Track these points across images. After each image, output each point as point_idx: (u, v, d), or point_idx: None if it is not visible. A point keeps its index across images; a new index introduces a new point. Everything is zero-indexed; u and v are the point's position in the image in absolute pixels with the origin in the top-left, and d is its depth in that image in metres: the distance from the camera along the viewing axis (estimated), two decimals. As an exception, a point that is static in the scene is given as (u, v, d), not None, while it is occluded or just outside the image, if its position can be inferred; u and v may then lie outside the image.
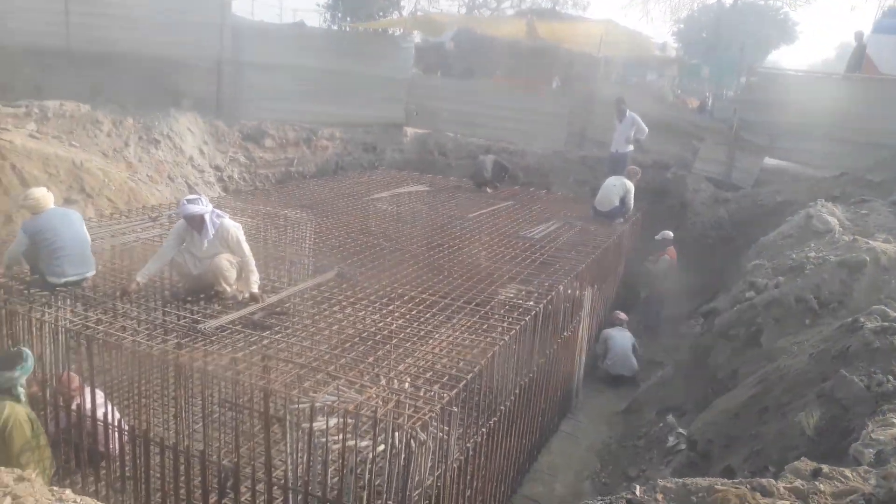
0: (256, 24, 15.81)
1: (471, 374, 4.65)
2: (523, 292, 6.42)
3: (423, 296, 6.17)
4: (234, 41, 13.60)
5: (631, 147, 11.27)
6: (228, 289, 5.63)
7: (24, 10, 14.22)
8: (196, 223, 5.47)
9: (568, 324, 7.11)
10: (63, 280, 5.43)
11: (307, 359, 4.75)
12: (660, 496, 3.53)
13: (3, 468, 3.06)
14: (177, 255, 5.60)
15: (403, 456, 4.08)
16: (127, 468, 4.83)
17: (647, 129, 11.19)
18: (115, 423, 4.78)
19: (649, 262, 10.22)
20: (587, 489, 6.57)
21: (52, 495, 2.95)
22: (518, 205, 10.72)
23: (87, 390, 4.80)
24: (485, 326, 5.55)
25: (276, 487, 4.35)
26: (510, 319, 5.71)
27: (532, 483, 6.60)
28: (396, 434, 4.05)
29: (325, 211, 9.39)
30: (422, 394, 4.40)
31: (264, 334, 5.14)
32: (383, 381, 4.56)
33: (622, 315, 8.94)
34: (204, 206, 5.45)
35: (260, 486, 4.38)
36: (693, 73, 27.51)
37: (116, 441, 4.83)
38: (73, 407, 4.80)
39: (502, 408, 5.46)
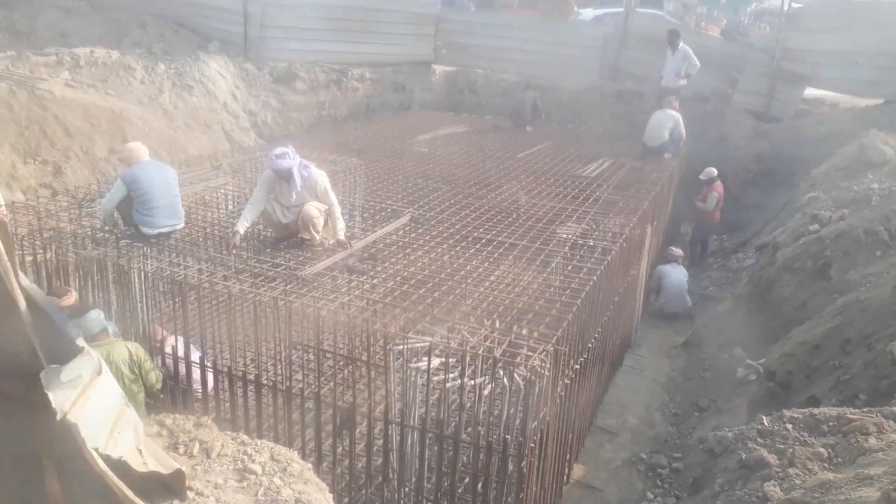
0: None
1: (571, 315, 4.79)
2: (596, 232, 6.50)
3: (499, 238, 6.26)
4: (259, -22, 13.23)
5: (683, 81, 11.11)
6: (317, 236, 5.72)
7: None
8: (285, 175, 5.51)
9: (634, 262, 7.23)
10: (156, 231, 5.53)
11: (410, 302, 4.88)
12: (789, 426, 3.71)
13: (179, 415, 3.21)
14: (266, 204, 5.66)
15: (522, 394, 4.26)
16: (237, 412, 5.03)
17: (698, 64, 11.02)
18: (223, 369, 4.96)
19: (698, 200, 10.23)
20: (658, 419, 6.82)
21: (233, 439, 3.12)
22: (562, 143, 10.66)
23: (183, 339, 4.94)
24: (569, 267, 5.65)
25: (393, 425, 4.55)
26: (593, 260, 5.81)
27: (604, 415, 6.84)
28: (515, 373, 4.21)
29: (374, 156, 9.37)
30: (525, 333, 4.54)
31: (361, 279, 5.26)
32: (488, 322, 4.70)
33: (677, 251, 9.03)
34: (292, 160, 5.49)
35: (378, 426, 4.58)
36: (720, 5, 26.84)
37: (221, 384, 5.03)
38: (168, 351, 4.97)
39: (589, 345, 5.62)
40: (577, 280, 5.34)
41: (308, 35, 13.65)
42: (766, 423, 3.82)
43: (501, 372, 4.39)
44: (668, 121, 9.76)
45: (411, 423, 4.45)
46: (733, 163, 11.66)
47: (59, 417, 1.83)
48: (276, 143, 11.89)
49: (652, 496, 5.57)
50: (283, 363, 4.99)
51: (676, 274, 8.76)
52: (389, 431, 4.53)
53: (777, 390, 5.77)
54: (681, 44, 11.30)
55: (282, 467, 2.93)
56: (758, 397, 5.89)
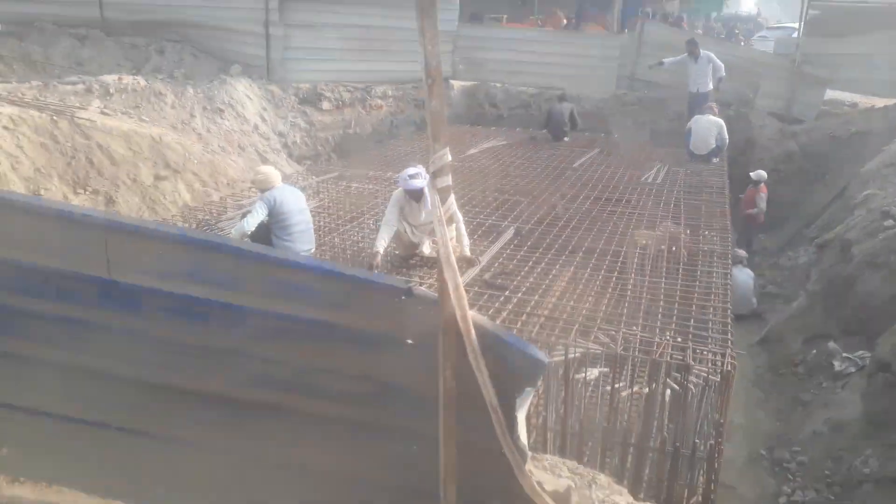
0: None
1: (730, 323, 4.91)
2: (702, 235, 6.67)
3: (608, 246, 6.37)
4: (280, 1, 13.19)
5: (711, 86, 11.42)
6: (446, 254, 5.73)
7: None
8: (416, 195, 5.54)
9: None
10: (293, 256, 5.48)
11: (570, 314, 4.94)
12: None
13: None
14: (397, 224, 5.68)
15: (703, 397, 4.37)
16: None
17: (723, 66, 11.35)
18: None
19: (744, 204, 10.51)
20: (762, 416, 6.98)
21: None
22: (605, 152, 10.86)
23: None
24: (698, 272, 5.79)
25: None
26: (714, 265, 5.96)
27: (710, 415, 6.96)
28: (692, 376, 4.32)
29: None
30: (679, 338, 4.65)
31: (506, 293, 5.30)
32: (659, 328, 4.79)
33: (742, 252, 9.26)
34: (424, 180, 5.52)
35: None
36: (695, 9, 27.70)
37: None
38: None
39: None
40: (714, 284, 5.47)
41: (330, 55, 13.65)
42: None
43: (678, 376, 4.48)
44: (714, 127, 10.03)
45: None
46: (763, 164, 12.02)
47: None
48: (406, 165, 11.78)
49: (789, 490, 5.70)
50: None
51: (742, 276, 8.96)
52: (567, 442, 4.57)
53: (894, 380, 5.96)
54: (701, 51, 11.63)
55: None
56: (875, 389, 6.07)
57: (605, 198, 8.06)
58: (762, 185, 10.47)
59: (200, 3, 13.25)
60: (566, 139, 11.73)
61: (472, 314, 1.99)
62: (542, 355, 2.01)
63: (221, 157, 11.53)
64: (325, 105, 13.55)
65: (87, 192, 9.52)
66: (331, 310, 2.24)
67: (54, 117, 9.94)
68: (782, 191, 11.77)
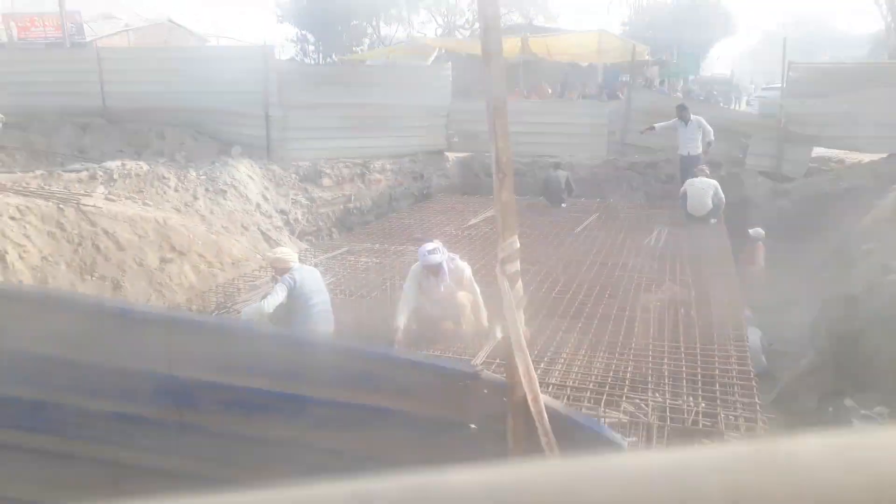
0: (297, 66, 15.87)
1: (755, 385, 4.94)
2: (712, 296, 6.74)
3: (621, 312, 6.43)
4: (279, 85, 13.61)
5: (701, 149, 11.76)
6: (465, 326, 5.77)
7: (56, 73, 14.03)
8: (435, 269, 5.61)
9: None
10: (311, 337, 5.49)
11: (595, 384, 4.95)
12: None
13: None
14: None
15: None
16: None
17: (711, 130, 11.73)
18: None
19: (743, 260, 10.66)
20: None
21: None
22: (605, 216, 11.07)
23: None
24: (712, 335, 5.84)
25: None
26: (727, 326, 6.02)
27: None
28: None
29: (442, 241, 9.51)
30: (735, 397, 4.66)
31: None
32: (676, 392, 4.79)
33: (747, 311, 9.32)
34: (442, 254, 5.61)
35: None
36: (673, 73, 28.76)
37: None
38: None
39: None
40: (731, 345, 5.51)
41: (329, 133, 13.99)
42: None
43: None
44: (709, 188, 10.28)
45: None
46: (756, 223, 12.27)
47: None
48: (409, 237, 11.90)
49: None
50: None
51: (751, 336, 8.99)
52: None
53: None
54: (692, 115, 12.04)
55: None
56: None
57: (610, 263, 8.17)
58: (759, 242, 10.64)
59: (199, 88, 13.62)
60: (563, 205, 11.95)
61: (543, 397, 2.02)
62: (618, 437, 2.03)
63: (225, 238, 11.63)
64: (326, 181, 13.79)
65: (95, 279, 9.54)
66: (395, 396, 2.26)
67: (60, 206, 10.05)
68: (778, 248, 11.96)
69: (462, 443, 2.30)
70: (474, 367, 2.13)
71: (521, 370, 1.97)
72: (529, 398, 1.98)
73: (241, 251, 11.43)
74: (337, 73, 15.27)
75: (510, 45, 22.84)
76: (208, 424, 2.55)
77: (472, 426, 2.25)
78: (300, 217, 13.34)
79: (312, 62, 30.11)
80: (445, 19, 31.57)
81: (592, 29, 24.22)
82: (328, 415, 2.41)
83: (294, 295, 5.40)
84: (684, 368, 5.15)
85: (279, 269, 5.57)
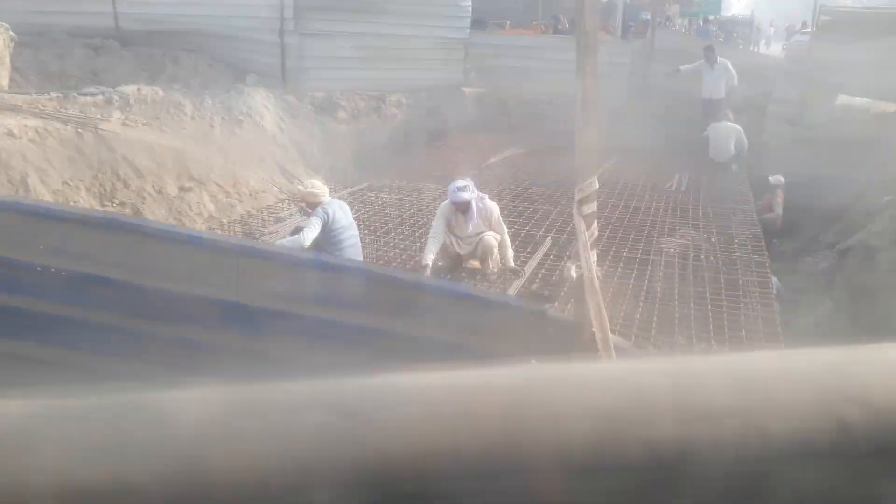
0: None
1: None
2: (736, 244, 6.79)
3: (646, 256, 6.48)
4: (294, 11, 13.27)
5: (724, 93, 11.57)
6: (492, 266, 5.82)
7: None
8: (464, 207, 5.62)
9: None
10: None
11: (622, 323, 5.03)
12: None
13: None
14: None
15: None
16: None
17: (736, 75, 11.51)
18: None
19: (761, 208, 10.65)
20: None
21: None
22: (624, 159, 10.99)
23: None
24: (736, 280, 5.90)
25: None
26: (751, 273, 6.08)
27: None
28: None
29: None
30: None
31: (554, 305, 5.38)
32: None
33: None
34: (472, 192, 5.60)
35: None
36: (695, 12, 27.94)
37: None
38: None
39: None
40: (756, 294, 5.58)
41: (345, 64, 13.74)
42: None
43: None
44: (732, 134, 10.18)
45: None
46: (777, 169, 12.18)
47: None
48: (429, 175, 11.90)
49: None
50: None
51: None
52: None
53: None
54: (718, 57, 11.79)
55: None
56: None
57: (632, 206, 8.17)
58: (779, 189, 10.60)
59: (215, 12, 13.31)
60: (583, 146, 11.84)
61: (612, 337, 2.07)
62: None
63: (241, 168, 11.59)
64: (341, 114, 13.62)
65: (115, 205, 9.57)
66: (462, 331, 2.32)
67: (79, 129, 9.99)
68: (797, 196, 11.91)
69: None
70: (542, 305, 2.18)
71: (591, 310, 2.01)
72: (598, 337, 2.03)
73: (258, 182, 11.42)
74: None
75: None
76: (272, 352, 2.62)
77: (534, 363, 2.31)
78: (315, 150, 13.23)
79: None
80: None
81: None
82: (394, 346, 2.47)
83: (326, 228, 5.42)
84: (710, 315, 5.23)
85: (311, 203, 5.57)
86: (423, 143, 14.02)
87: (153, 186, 10.01)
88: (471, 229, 5.70)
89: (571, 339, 2.18)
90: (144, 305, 2.59)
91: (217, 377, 1.95)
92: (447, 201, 5.72)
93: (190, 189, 10.31)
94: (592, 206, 2.21)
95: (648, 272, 6.08)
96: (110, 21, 13.77)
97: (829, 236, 10.19)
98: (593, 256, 2.29)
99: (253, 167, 11.89)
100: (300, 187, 5.77)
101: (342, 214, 5.55)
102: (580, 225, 2.18)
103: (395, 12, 14.64)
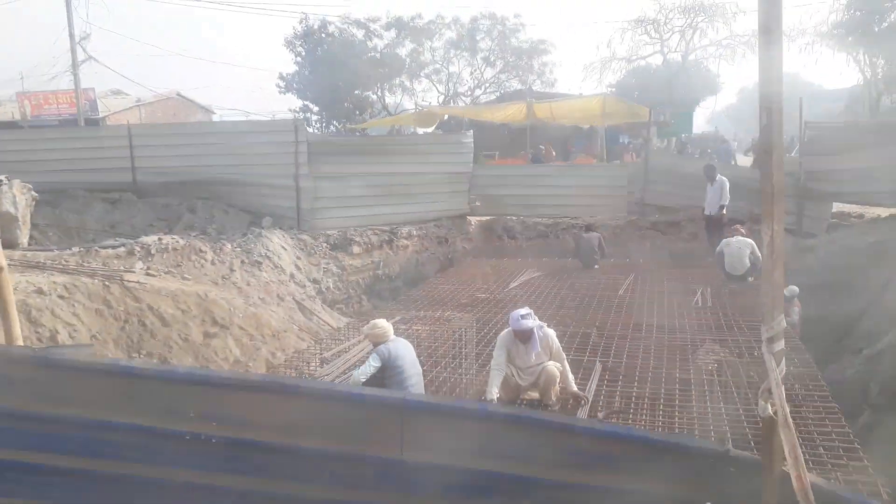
0: (326, 138, 16.24)
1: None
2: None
3: (699, 376, 6.49)
4: (309, 157, 13.90)
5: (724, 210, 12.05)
6: (553, 397, 5.79)
7: (86, 150, 14.29)
8: (526, 336, 5.67)
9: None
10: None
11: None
12: None
13: None
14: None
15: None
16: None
17: (728, 195, 12.06)
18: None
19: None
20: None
21: None
22: (641, 277, 11.22)
23: None
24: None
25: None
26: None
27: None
28: None
29: (484, 311, 9.55)
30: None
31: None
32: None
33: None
34: (534, 320, 5.67)
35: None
36: (670, 132, 29.66)
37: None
38: None
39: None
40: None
41: (357, 202, 14.23)
42: None
43: None
44: (745, 247, 10.49)
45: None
46: (785, 280, 12.45)
47: None
48: (453, 303, 11.96)
49: None
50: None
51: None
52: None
53: None
54: (717, 175, 12.39)
55: None
56: None
57: (667, 326, 8.25)
58: (795, 299, 10.80)
59: (230, 161, 13.89)
60: (596, 266, 12.11)
61: (808, 475, 2.08)
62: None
63: (263, 309, 11.64)
64: (356, 249, 13.93)
65: (142, 356, 9.50)
66: (634, 476, 2.31)
67: (106, 283, 10.09)
68: (808, 306, 12.11)
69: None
70: (724, 446, 2.20)
71: (786, 447, 2.04)
72: (793, 475, 2.04)
73: (279, 322, 11.43)
74: (364, 144, 15.68)
75: (517, 111, 23.59)
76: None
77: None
78: (331, 285, 13.41)
79: (316, 132, 30.74)
80: (446, 87, 32.48)
81: (596, 93, 25.05)
82: (556, 497, 2.44)
83: (387, 366, 5.42)
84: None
85: (375, 342, 5.61)
86: (434, 271, 14.28)
87: (179, 335, 9.98)
88: (533, 359, 5.71)
89: (756, 481, 2.18)
90: (301, 467, 2.56)
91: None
92: (507, 331, 5.77)
93: (215, 335, 10.29)
94: (781, 344, 2.28)
95: (708, 394, 6.06)
96: (128, 176, 14.29)
97: (854, 342, 10.27)
98: (783, 393, 2.33)
99: (273, 307, 11.94)
100: (365, 327, 5.83)
101: (406, 353, 5.57)
102: (770, 363, 2.24)
103: (401, 152, 15.40)
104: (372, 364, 5.45)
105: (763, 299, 2.37)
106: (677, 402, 5.86)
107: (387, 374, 5.44)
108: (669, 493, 2.31)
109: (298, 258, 13.33)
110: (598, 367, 6.77)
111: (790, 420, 2.13)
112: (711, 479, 2.22)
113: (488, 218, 15.76)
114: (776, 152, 2.20)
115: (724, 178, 12.14)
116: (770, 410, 2.19)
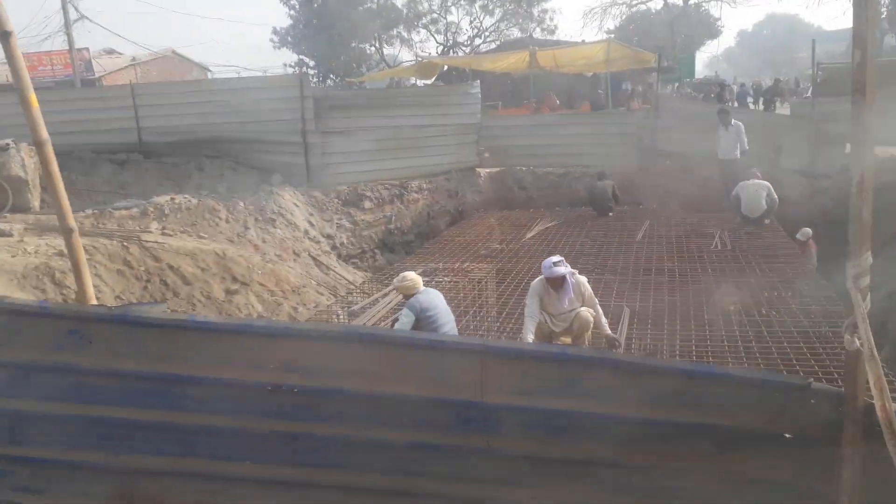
0: (330, 93, 16.04)
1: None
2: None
3: (730, 316, 6.58)
4: (315, 112, 13.73)
5: (738, 153, 11.96)
6: (587, 341, 5.87)
7: (91, 111, 14.12)
8: (558, 283, 5.70)
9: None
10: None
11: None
12: None
13: None
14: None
15: None
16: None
17: (746, 139, 11.96)
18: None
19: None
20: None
21: None
22: (656, 222, 11.25)
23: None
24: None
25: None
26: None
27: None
28: None
29: (506, 260, 9.61)
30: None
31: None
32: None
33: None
34: (566, 267, 5.71)
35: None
36: (672, 78, 29.29)
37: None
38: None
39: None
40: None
41: (366, 157, 14.11)
42: None
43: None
44: (762, 190, 10.48)
45: None
46: (799, 220, 12.48)
47: None
48: (472, 254, 12.02)
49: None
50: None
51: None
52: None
53: None
54: (732, 120, 12.27)
55: None
56: None
57: (689, 269, 8.31)
58: (810, 241, 10.85)
59: (236, 119, 13.72)
60: (611, 214, 12.12)
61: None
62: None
63: (281, 266, 11.69)
64: (367, 204, 13.90)
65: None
66: (715, 412, 2.36)
67: (124, 243, 10.10)
68: (822, 246, 12.16)
69: (772, 454, 2.39)
70: (805, 379, 2.25)
71: (871, 379, 2.08)
72: (878, 406, 2.10)
73: (297, 278, 11.49)
74: (370, 97, 15.46)
75: (519, 59, 23.17)
76: (506, 449, 2.63)
77: (787, 436, 2.35)
78: (345, 240, 13.43)
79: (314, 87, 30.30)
80: (445, 37, 31.89)
81: (600, 40, 24.58)
82: (636, 434, 2.49)
83: (420, 318, 5.47)
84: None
85: (406, 294, 5.65)
86: (445, 224, 14.29)
87: (201, 292, 10.04)
88: (566, 305, 5.76)
89: (832, 412, 2.24)
90: (382, 414, 2.61)
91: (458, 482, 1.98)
92: (539, 279, 5.80)
93: (236, 291, 10.34)
94: (866, 280, 2.31)
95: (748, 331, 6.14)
96: (133, 136, 14.14)
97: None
98: (868, 327, 2.36)
99: (289, 263, 11.99)
100: (395, 280, 5.86)
101: (438, 302, 5.62)
102: (856, 297, 2.27)
103: (408, 104, 15.21)
104: (405, 319, 5.49)
105: (850, 238, 2.37)
106: (709, 343, 5.95)
107: (421, 325, 5.48)
108: (750, 426, 2.37)
109: (311, 214, 13.31)
110: (626, 311, 6.84)
111: (875, 352, 2.18)
112: (790, 411, 2.28)
113: (498, 169, 15.67)
114: (869, 90, 2.18)
115: (739, 123, 12.02)
116: (857, 343, 2.23)
